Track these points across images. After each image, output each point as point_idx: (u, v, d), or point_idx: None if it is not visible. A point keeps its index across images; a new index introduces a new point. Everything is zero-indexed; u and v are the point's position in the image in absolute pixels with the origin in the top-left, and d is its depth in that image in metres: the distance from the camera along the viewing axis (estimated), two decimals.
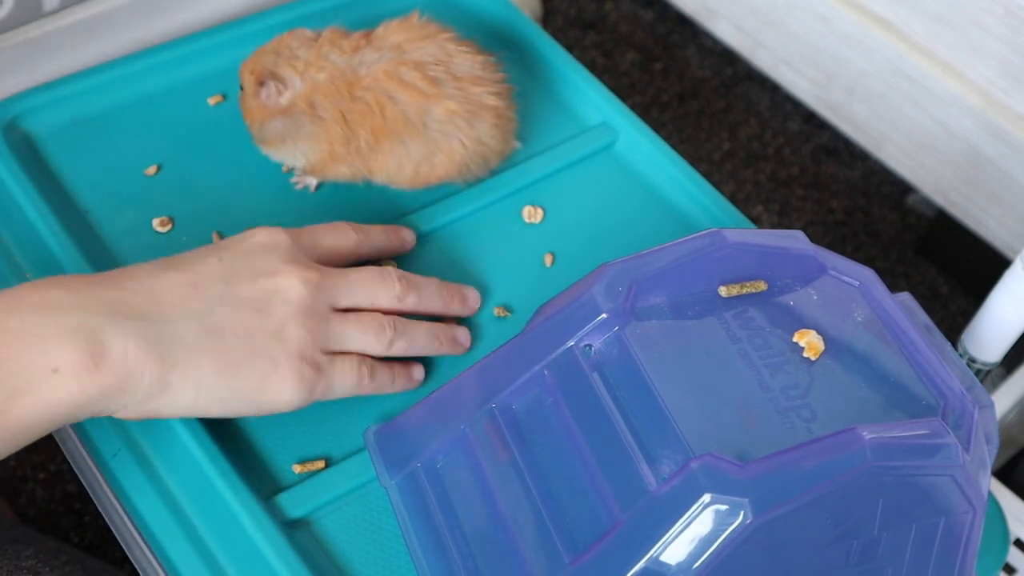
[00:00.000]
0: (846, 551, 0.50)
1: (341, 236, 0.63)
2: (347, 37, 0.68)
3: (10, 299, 0.51)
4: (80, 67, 0.77)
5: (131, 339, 0.52)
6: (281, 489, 0.58)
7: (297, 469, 0.59)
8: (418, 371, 0.63)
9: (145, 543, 0.57)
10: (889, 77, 1.16)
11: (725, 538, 0.46)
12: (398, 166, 0.68)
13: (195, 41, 0.78)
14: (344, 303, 0.60)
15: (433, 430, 0.57)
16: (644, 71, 1.45)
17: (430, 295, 0.63)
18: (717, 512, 0.46)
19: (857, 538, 0.50)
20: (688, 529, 0.47)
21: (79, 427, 0.60)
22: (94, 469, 0.59)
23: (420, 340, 0.62)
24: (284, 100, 0.66)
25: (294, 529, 0.57)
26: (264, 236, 0.59)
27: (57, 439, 0.63)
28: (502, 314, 0.67)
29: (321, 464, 0.59)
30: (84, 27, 0.80)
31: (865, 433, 0.48)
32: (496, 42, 0.82)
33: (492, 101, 0.68)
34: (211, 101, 0.76)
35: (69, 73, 0.75)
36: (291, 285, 0.57)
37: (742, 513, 0.46)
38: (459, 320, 0.66)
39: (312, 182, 0.71)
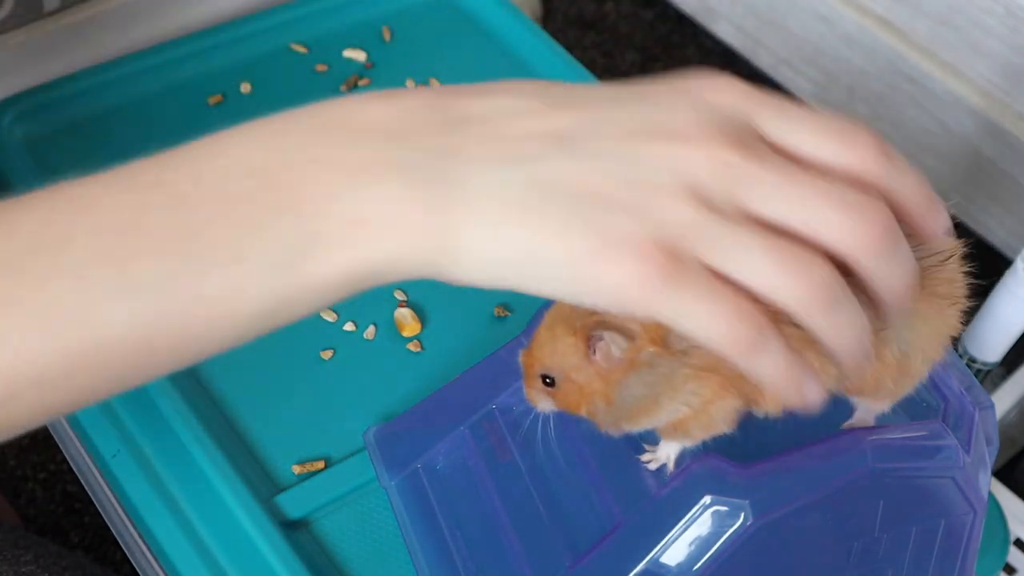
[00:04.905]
0: (846, 553, 0.50)
1: (839, 146, 0.39)
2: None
3: (311, 118, 0.39)
4: (80, 68, 0.76)
5: (445, 187, 0.37)
6: (281, 490, 0.58)
7: (297, 470, 0.59)
8: (814, 390, 0.40)
9: (145, 543, 0.57)
10: (889, 77, 1.16)
11: (725, 540, 0.46)
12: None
13: (195, 41, 0.77)
14: (769, 211, 0.38)
15: (433, 431, 0.57)
16: (644, 71, 1.44)
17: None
18: (717, 514, 0.46)
19: (857, 540, 0.49)
20: (688, 531, 0.46)
21: (79, 427, 0.60)
22: (94, 469, 0.59)
23: (860, 319, 0.38)
24: (624, 353, 0.46)
25: (294, 529, 0.57)
26: (715, 83, 0.42)
27: (57, 439, 0.63)
28: (502, 314, 0.66)
29: (321, 464, 0.59)
30: (84, 27, 0.80)
31: (865, 435, 0.48)
32: (496, 42, 0.82)
33: None
34: (211, 101, 0.75)
35: (69, 73, 0.75)
36: (694, 156, 0.38)
37: (742, 515, 0.46)
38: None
39: (674, 452, 0.50)
